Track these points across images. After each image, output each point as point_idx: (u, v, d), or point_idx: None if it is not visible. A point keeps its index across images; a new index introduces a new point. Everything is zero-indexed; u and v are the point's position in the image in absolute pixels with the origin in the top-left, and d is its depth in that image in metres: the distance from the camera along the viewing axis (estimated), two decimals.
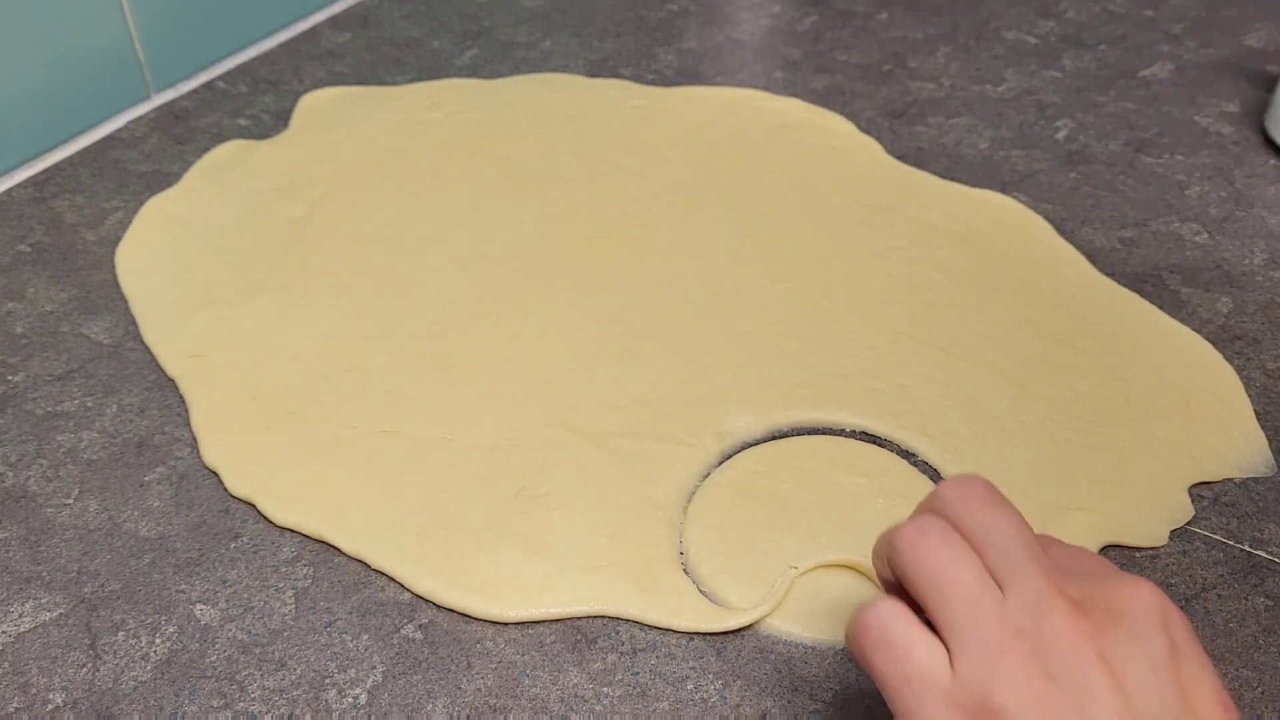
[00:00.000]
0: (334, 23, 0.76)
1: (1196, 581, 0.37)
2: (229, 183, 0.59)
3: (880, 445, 0.42)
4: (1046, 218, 0.54)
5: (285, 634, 0.37)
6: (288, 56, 0.72)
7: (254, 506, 0.41)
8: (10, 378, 0.48)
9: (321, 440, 0.43)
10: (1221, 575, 0.37)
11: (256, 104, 0.67)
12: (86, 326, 0.50)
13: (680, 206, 0.55)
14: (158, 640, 0.37)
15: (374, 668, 0.35)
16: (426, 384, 0.46)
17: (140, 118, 0.66)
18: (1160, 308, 0.48)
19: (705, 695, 0.34)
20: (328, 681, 0.35)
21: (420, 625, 0.37)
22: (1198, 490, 0.40)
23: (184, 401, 0.46)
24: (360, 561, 0.39)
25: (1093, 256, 0.51)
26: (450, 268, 0.52)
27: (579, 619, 0.37)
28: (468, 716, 0.34)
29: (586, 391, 0.45)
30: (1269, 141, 0.58)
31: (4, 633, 0.37)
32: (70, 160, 0.62)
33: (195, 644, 0.36)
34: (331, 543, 0.40)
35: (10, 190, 0.60)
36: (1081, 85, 0.65)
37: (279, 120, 0.65)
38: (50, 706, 0.35)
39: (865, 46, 0.71)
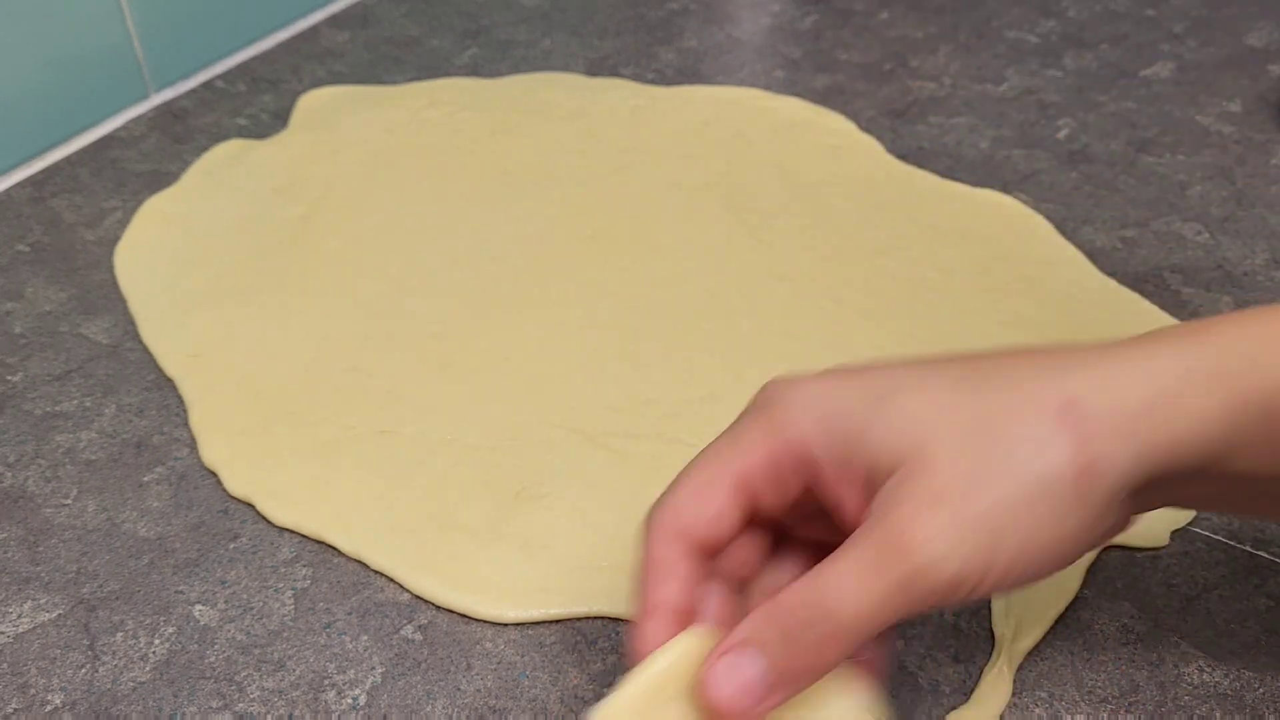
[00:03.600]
0: (333, 22, 0.76)
1: (1198, 582, 0.37)
2: (228, 182, 0.59)
3: None
4: (1047, 217, 0.53)
5: (284, 635, 0.37)
6: (287, 56, 0.72)
7: (253, 507, 0.41)
8: (9, 378, 0.48)
9: (321, 440, 0.43)
10: (1223, 576, 0.37)
11: (255, 103, 0.67)
12: (85, 326, 0.50)
13: (680, 206, 0.55)
14: (156, 641, 0.37)
15: (373, 669, 0.35)
16: (426, 384, 0.45)
17: (139, 117, 0.66)
18: (1162, 308, 0.48)
19: None
20: (327, 682, 0.35)
21: (420, 626, 0.37)
22: None
23: (183, 401, 0.46)
24: (359, 562, 0.39)
25: (1094, 256, 0.51)
26: (450, 267, 0.52)
27: (579, 619, 0.37)
28: (467, 718, 0.34)
29: (586, 391, 0.45)
30: None
31: (2, 633, 0.37)
32: (69, 160, 0.62)
33: (194, 645, 0.36)
34: (330, 543, 0.39)
35: (9, 190, 0.60)
36: (1083, 85, 0.65)
37: (278, 120, 0.65)
38: (49, 707, 0.35)
39: (866, 46, 0.70)
